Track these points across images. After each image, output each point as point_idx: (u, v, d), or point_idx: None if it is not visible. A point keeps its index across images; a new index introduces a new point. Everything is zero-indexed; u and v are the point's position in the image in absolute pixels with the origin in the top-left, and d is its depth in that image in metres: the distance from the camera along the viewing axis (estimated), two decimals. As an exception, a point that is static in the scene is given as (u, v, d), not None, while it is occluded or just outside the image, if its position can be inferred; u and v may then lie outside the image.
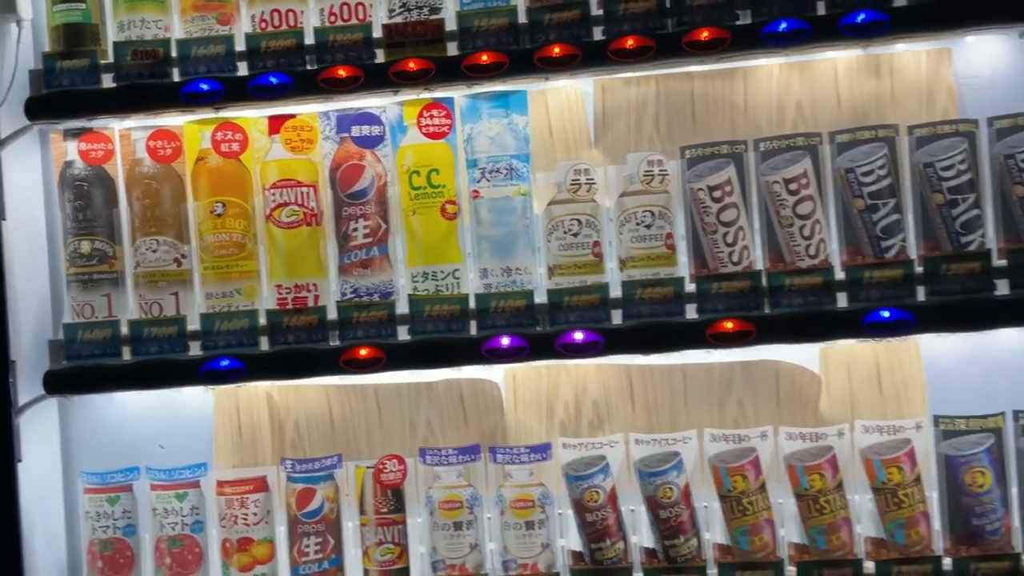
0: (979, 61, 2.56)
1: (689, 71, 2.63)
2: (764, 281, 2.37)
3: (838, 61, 2.63)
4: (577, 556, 2.43)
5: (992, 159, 2.36)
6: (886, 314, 2.28)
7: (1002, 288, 2.31)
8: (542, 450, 2.48)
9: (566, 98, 2.71)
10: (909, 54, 2.59)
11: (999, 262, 2.32)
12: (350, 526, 2.56)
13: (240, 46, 2.54)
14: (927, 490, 2.36)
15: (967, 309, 2.27)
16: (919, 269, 2.33)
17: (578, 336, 2.35)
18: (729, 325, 2.33)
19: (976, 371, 2.53)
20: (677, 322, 2.37)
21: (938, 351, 2.56)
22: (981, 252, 2.31)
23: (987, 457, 2.30)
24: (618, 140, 2.69)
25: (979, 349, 2.51)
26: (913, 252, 2.37)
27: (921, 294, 2.33)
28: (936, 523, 2.35)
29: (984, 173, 2.37)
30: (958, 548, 2.31)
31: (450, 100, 2.54)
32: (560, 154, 2.68)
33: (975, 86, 2.56)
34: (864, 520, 2.38)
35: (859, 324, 2.30)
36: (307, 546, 2.51)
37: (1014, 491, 2.34)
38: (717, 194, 2.42)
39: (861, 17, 2.32)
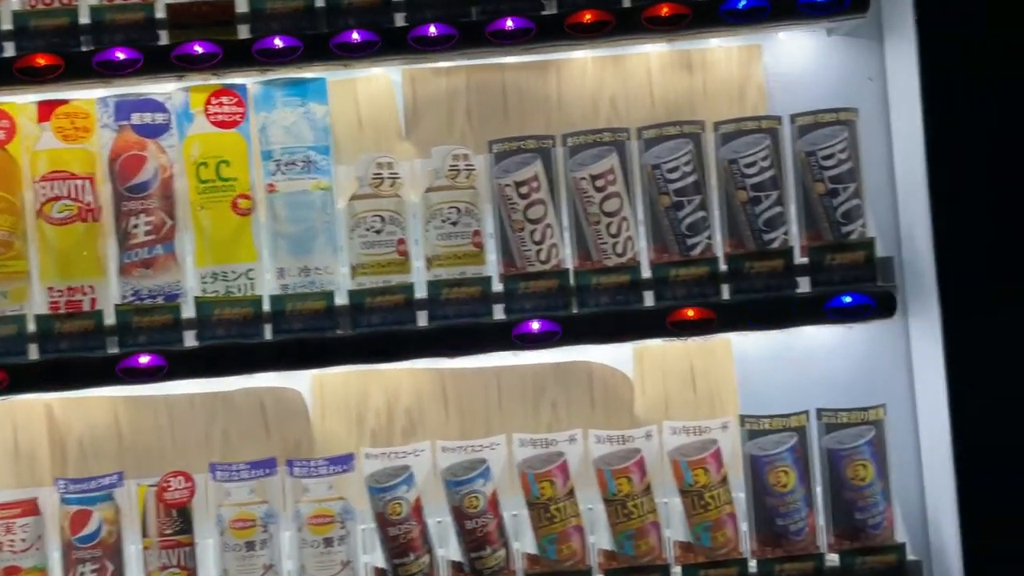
0: (789, 58, 2.49)
1: (499, 63, 2.46)
2: (572, 280, 2.23)
3: (651, 56, 2.51)
4: (380, 573, 2.21)
5: (795, 156, 2.29)
6: (690, 313, 2.19)
7: (804, 286, 2.24)
8: (343, 461, 2.26)
9: (376, 88, 2.51)
10: (721, 50, 2.50)
11: (801, 260, 2.25)
12: (132, 550, 2.27)
13: (7, 24, 2.23)
14: (734, 491, 2.26)
15: (770, 307, 2.19)
16: (724, 267, 2.24)
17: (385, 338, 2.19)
18: (535, 326, 2.18)
19: (786, 369, 2.46)
20: (484, 323, 2.20)
21: (749, 350, 2.47)
22: (783, 250, 2.22)
23: (791, 456, 2.21)
24: (429, 133, 2.50)
25: (788, 347, 2.44)
26: (719, 250, 2.27)
27: (726, 292, 2.24)
28: (743, 524, 2.26)
29: (787, 170, 2.30)
30: (764, 549, 2.21)
31: (242, 87, 2.29)
32: (370, 147, 2.46)
33: (785, 83, 2.50)
34: (674, 523, 2.26)
35: (664, 323, 2.20)
36: (83, 573, 2.20)
37: (818, 490, 2.26)
38: (524, 190, 2.26)
39: (665, 10, 2.24)
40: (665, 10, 2.23)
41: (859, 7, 2.24)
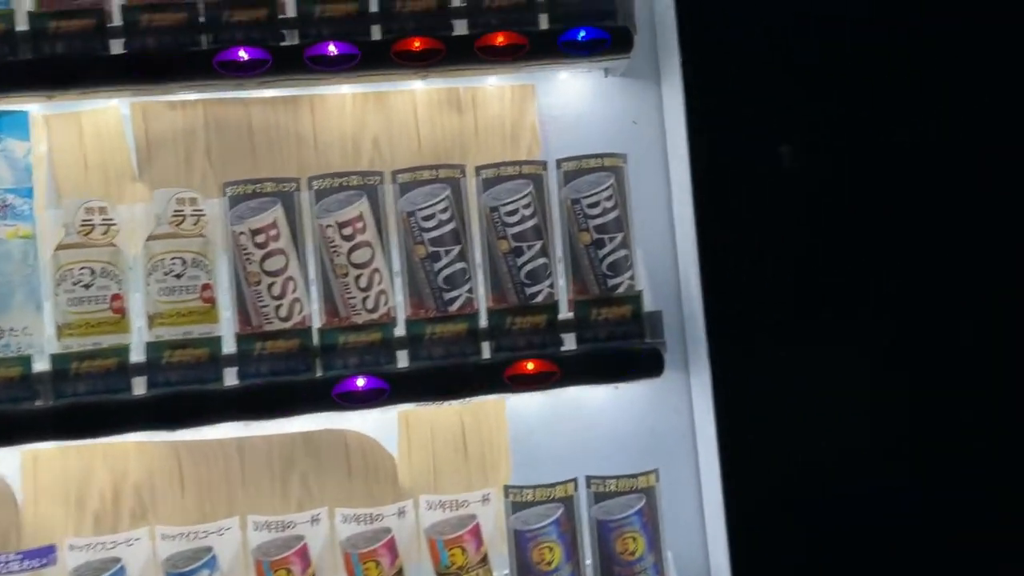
0: (566, 99, 2.31)
1: (242, 97, 2.19)
2: (316, 339, 2.00)
3: (417, 93, 2.28)
4: None
5: (561, 204, 2.12)
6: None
7: (571, 342, 2.06)
8: (42, 555, 1.89)
9: (104, 123, 2.18)
10: (493, 89, 2.30)
11: (568, 315, 2.06)
12: None
13: None
14: (498, 569, 2.02)
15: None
16: (485, 323, 2.01)
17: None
18: (272, 392, 1.96)
19: (568, 430, 2.24)
20: (210, 391, 1.90)
21: (524, 409, 2.24)
22: (547, 304, 2.02)
23: (555, 530, 1.99)
24: (166, 174, 2.18)
25: (568, 405, 2.22)
26: (482, 304, 2.07)
27: (487, 350, 2.01)
28: (507, 607, 2.06)
29: (553, 219, 2.12)
30: (528, 634, 2.03)
31: (-75, 119, 2.00)
32: (98, 189, 2.14)
33: (562, 125, 2.30)
34: (433, 609, 2.06)
35: (418, 386, 1.95)
36: None
37: (588, 563, 2.05)
38: (261, 239, 1.99)
39: (417, 44, 2.06)
40: (417, 44, 2.02)
41: (621, 48, 2.08)
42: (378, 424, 2.24)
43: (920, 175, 2.04)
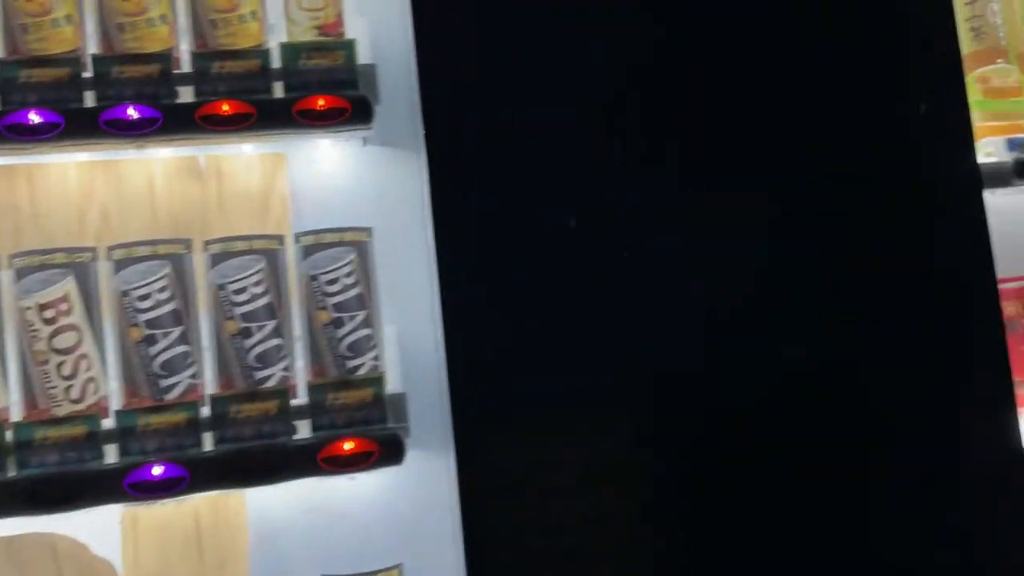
0: (322, 168, 2.17)
1: (-54, 167, 2.04)
2: (10, 435, 1.77)
3: (153, 162, 2.10)
4: None
5: (300, 280, 1.98)
6: (157, 471, 1.80)
7: (305, 430, 1.91)
8: None
9: None
10: (239, 158, 2.14)
11: (303, 400, 1.91)
12: None
13: None
14: None
15: (255, 459, 1.81)
16: (208, 411, 1.86)
17: None
18: None
19: (324, 520, 2.08)
20: None
21: (269, 503, 2.08)
22: (278, 389, 1.87)
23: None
24: None
25: (318, 499, 2.05)
26: (208, 389, 1.89)
27: (209, 441, 1.87)
28: None
29: (292, 296, 1.98)
30: None
31: None
32: None
33: (318, 196, 2.15)
34: None
35: (120, 486, 1.77)
36: None
37: (325, 672, 1.94)
38: (-52, 324, 1.84)
39: (131, 111, 1.89)
40: (131, 112, 1.86)
41: (361, 118, 1.96)
42: (96, 521, 2.02)
43: (664, 262, 2.00)
